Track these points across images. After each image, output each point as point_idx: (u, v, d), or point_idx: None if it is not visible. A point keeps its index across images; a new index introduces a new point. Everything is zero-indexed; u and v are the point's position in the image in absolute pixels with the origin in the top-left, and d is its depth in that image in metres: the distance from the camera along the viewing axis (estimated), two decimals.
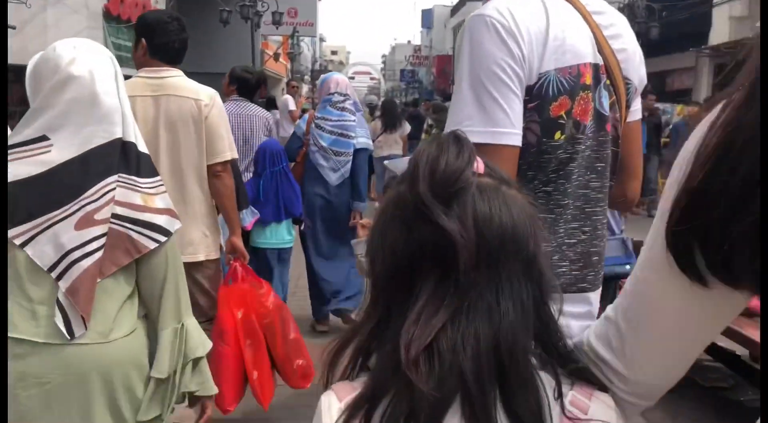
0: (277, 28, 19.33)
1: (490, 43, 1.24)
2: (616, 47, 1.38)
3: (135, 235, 1.51)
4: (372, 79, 69.92)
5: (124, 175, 1.54)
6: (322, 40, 61.91)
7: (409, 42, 69.07)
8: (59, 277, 1.44)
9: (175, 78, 2.67)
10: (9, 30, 9.21)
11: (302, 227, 4.35)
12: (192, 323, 1.65)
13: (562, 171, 1.31)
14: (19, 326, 1.43)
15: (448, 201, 0.77)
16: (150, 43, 2.68)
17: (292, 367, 2.75)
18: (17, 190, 1.45)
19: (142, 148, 1.61)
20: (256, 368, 2.64)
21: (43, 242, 1.43)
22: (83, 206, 1.46)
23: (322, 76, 4.79)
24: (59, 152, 1.48)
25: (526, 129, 1.27)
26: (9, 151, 1.48)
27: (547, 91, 1.27)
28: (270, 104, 12.07)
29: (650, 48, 9.80)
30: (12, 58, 10.48)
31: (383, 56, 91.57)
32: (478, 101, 1.24)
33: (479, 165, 0.81)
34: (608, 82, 1.36)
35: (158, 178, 1.62)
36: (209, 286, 2.71)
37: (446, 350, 0.74)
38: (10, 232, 1.43)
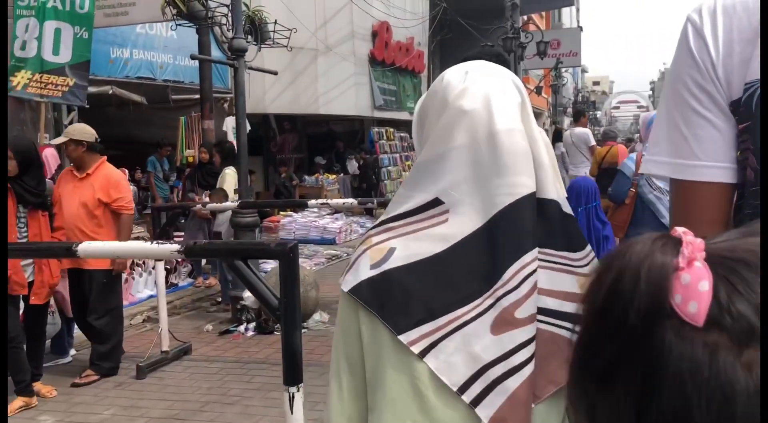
0: (541, 58, 18.36)
1: (679, 51, 1.04)
2: None
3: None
4: (639, 107, 69.10)
5: (548, 251, 1.12)
6: (584, 71, 61.07)
7: None
8: (476, 401, 1.06)
9: None
10: (271, 76, 9.41)
11: None
12: None
13: None
14: None
15: (603, 380, 0.49)
16: None
17: None
18: (409, 278, 1.09)
19: (567, 207, 1.19)
20: None
21: (450, 351, 1.07)
22: (499, 299, 1.07)
23: (652, 113, 4.59)
24: (458, 221, 1.11)
25: (743, 159, 0.98)
26: (398, 222, 1.16)
27: (759, 106, 0.95)
28: (557, 137, 11.12)
29: None
30: (286, 109, 10.65)
31: (651, 82, 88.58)
32: (666, 124, 1.05)
33: (691, 308, 0.46)
34: None
35: (588, 248, 1.18)
36: None
37: None
38: (405, 337, 1.08)
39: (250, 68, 6.48)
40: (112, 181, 4.78)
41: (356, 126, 17.61)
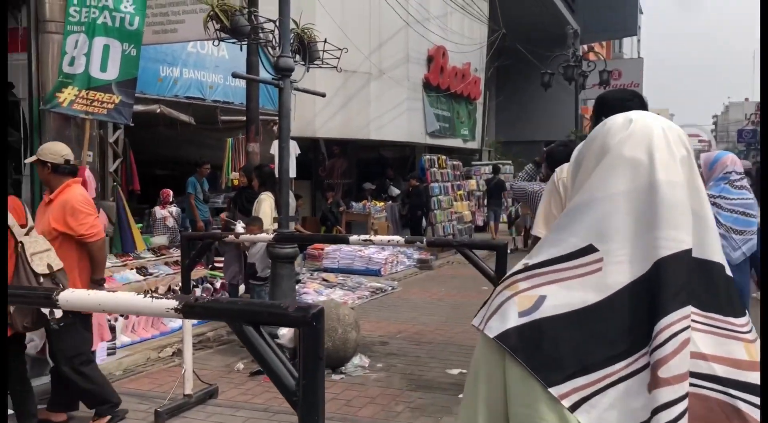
0: (604, 88, 17.67)
1: None
2: None
3: (745, 408, 1.04)
4: (701, 141, 67.38)
5: (714, 315, 1.08)
6: None
7: (746, 99, 64.62)
8: None
9: None
10: (321, 99, 9.04)
11: None
12: None
13: None
14: None
15: None
16: None
17: None
18: (561, 329, 1.05)
19: (729, 270, 1.13)
20: None
21: (604, 407, 1.03)
22: (660, 358, 1.03)
23: (714, 154, 4.53)
24: (614, 271, 1.08)
25: None
26: (546, 268, 1.11)
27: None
28: None
29: None
30: (336, 133, 10.21)
31: (714, 117, 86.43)
32: None
33: None
34: None
35: (748, 315, 1.12)
36: None
37: None
38: (556, 389, 1.03)
39: (296, 89, 6.11)
40: (68, 207, 3.98)
41: (407, 152, 17.20)
